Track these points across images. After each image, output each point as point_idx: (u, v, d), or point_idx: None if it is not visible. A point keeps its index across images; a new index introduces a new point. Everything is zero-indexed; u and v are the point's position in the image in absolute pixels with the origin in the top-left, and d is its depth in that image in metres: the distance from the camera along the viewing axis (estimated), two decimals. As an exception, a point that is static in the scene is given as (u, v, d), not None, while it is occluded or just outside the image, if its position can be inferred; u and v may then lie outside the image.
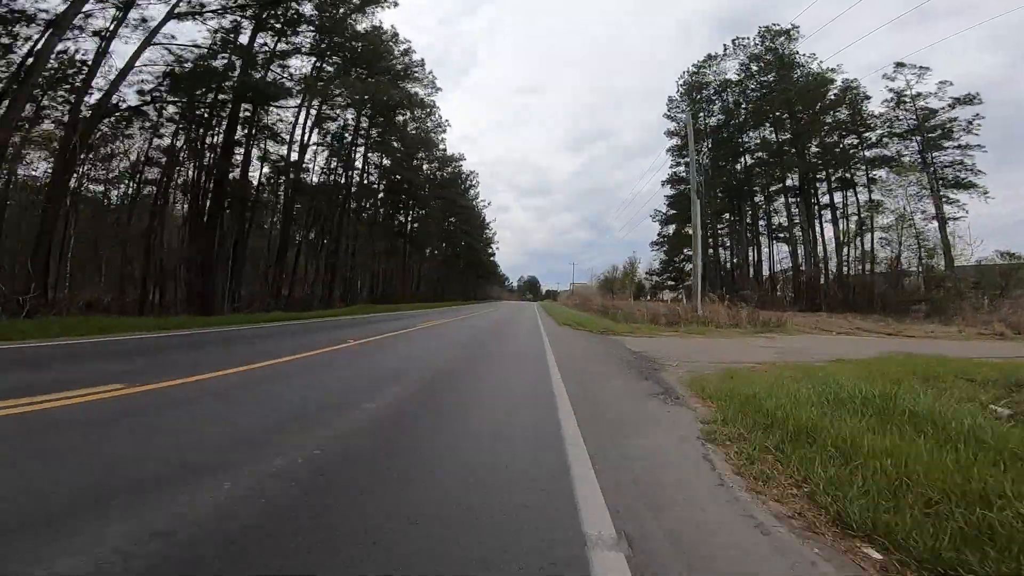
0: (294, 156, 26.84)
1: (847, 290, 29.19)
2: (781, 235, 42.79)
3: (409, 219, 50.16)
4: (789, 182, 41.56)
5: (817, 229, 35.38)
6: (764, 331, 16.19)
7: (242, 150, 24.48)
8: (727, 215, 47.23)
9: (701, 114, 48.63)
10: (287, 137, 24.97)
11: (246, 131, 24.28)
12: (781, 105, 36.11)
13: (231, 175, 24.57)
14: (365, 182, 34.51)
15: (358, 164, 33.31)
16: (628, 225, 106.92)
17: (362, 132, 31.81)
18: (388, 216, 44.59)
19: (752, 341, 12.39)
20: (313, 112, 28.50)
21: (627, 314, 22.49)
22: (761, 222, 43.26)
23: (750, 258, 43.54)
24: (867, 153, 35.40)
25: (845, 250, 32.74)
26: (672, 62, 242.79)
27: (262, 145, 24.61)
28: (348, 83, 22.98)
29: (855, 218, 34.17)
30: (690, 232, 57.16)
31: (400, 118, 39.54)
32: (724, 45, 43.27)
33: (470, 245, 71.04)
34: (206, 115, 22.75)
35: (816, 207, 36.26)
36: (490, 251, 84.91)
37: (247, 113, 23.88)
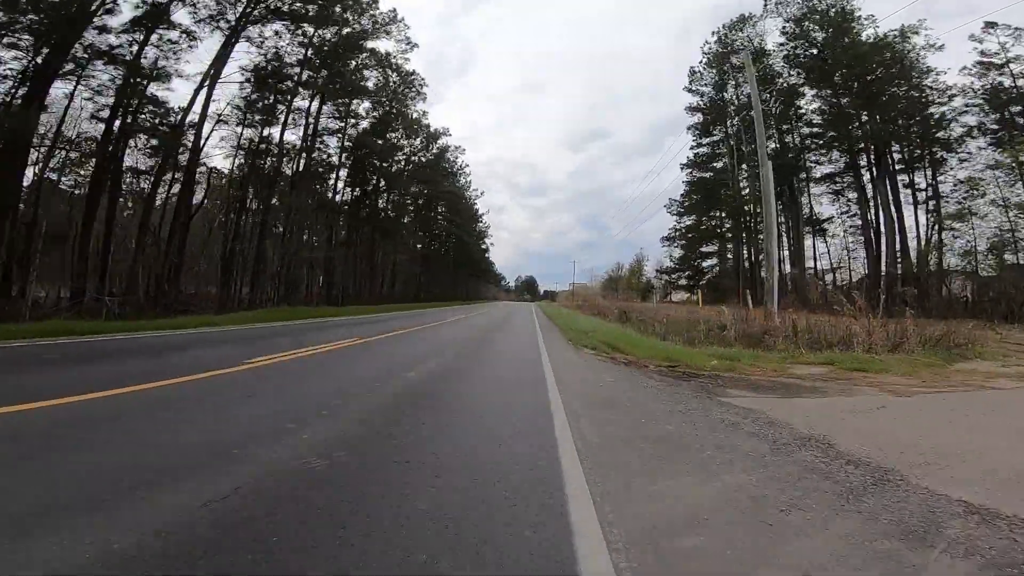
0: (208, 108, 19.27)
1: (962, 291, 21.98)
2: (824, 228, 35.61)
3: (387, 203, 42.57)
4: (827, 166, 34.56)
5: (893, 215, 27.74)
6: (948, 359, 8.52)
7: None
8: (755, 208, 39.99)
9: (731, 86, 41.29)
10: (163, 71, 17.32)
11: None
12: (849, 62, 28.53)
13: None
14: (311, 146, 26.81)
15: (303, 124, 25.63)
16: (628, 226, 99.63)
17: (305, 80, 24.15)
18: (356, 200, 36.92)
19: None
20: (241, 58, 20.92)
21: (673, 323, 14.58)
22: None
23: (786, 252, 36.12)
24: (955, 131, 27.95)
25: (934, 240, 25.41)
26: (672, 56, 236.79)
27: (133, 80, 16.96)
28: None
29: (942, 202, 26.73)
30: (705, 227, 49.43)
31: (368, 80, 32.13)
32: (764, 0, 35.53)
33: (460, 238, 63.32)
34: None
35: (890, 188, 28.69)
36: (483, 246, 77.12)
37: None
